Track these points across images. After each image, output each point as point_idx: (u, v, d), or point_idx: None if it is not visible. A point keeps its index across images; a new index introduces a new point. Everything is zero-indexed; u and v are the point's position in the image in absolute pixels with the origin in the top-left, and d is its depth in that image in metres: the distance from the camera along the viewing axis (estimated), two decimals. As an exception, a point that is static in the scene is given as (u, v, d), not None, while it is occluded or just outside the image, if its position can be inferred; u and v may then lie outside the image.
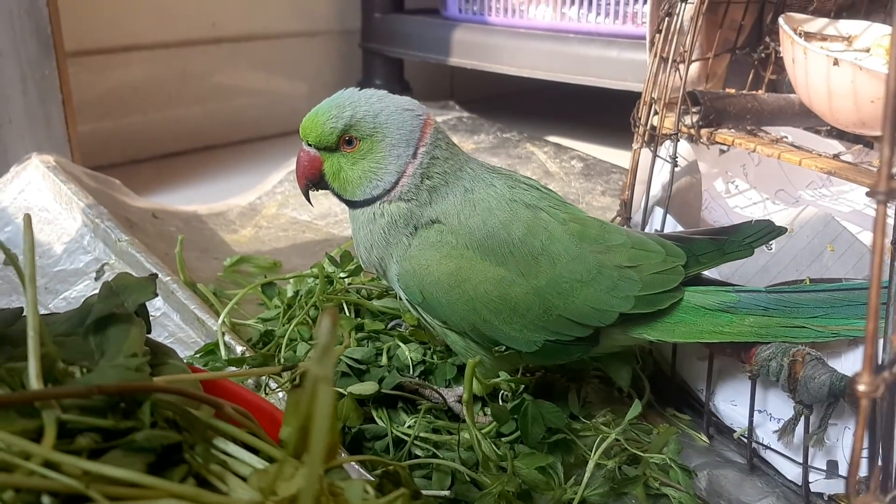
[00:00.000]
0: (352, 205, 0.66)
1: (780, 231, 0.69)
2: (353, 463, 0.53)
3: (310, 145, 0.64)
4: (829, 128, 0.98)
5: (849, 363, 0.62)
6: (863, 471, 0.45)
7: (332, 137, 0.63)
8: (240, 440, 0.36)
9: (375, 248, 0.65)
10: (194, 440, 0.34)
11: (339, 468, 0.37)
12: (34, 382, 0.34)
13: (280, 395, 0.66)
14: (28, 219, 0.38)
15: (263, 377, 0.69)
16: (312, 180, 0.66)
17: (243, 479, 0.33)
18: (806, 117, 0.93)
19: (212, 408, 0.37)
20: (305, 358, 0.72)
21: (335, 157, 0.64)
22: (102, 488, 0.29)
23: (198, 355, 0.73)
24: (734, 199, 1.01)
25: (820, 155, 0.78)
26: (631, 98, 0.90)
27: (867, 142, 0.98)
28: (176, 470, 0.32)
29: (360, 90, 0.65)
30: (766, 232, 0.68)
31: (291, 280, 0.86)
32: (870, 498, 0.30)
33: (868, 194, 0.29)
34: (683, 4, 0.84)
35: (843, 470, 0.59)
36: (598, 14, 1.45)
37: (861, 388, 0.29)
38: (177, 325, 0.80)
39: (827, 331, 0.60)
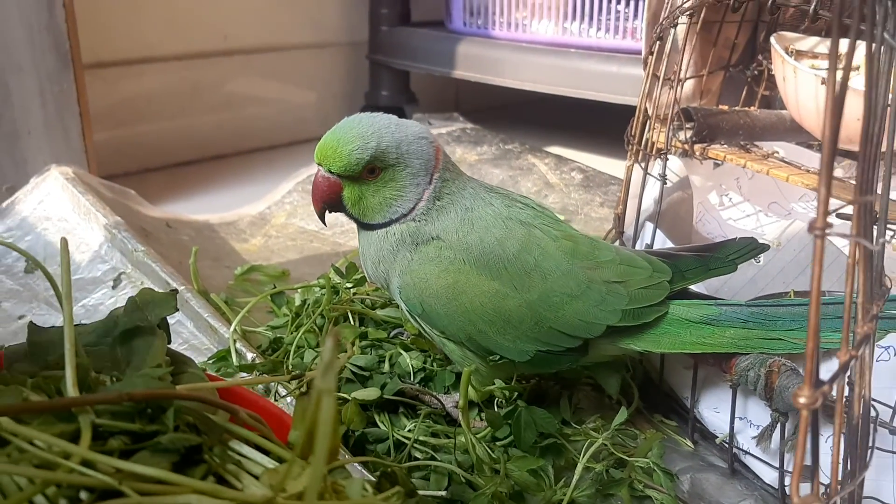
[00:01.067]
0: (366, 226, 0.69)
1: (763, 248, 0.73)
2: (355, 464, 0.57)
3: (331, 172, 0.66)
4: (820, 143, 1.01)
5: (822, 374, 0.65)
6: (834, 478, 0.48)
7: (358, 168, 0.65)
8: (253, 442, 0.40)
9: (383, 263, 0.69)
10: (212, 442, 0.38)
11: (342, 468, 0.41)
12: (71, 390, 0.38)
13: (288, 399, 0.70)
14: (65, 242, 0.42)
15: (273, 383, 0.73)
16: (329, 204, 0.68)
17: (256, 477, 0.38)
18: (797, 133, 0.96)
19: (227, 413, 0.41)
20: (312, 365, 0.76)
21: (357, 186, 0.66)
22: (134, 485, 0.33)
23: (210, 361, 0.77)
24: (728, 211, 1.04)
25: (808, 171, 0.81)
26: (629, 112, 0.94)
27: (856, 156, 1.01)
28: (197, 469, 0.36)
29: (374, 116, 0.67)
30: (749, 249, 0.72)
31: (299, 290, 0.90)
32: (811, 499, 0.33)
33: (809, 230, 0.32)
34: (674, 29, 0.88)
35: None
36: (599, 29, 1.49)
37: (802, 400, 0.33)
38: (190, 332, 0.84)
39: (802, 343, 0.64)
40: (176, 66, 1.57)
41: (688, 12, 0.85)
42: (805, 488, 0.62)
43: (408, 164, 0.66)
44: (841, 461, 0.40)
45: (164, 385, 0.40)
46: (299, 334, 0.80)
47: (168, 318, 0.52)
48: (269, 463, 0.39)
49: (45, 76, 1.17)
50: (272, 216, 1.25)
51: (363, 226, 0.70)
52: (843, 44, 0.98)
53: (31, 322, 0.51)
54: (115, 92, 1.49)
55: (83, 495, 0.33)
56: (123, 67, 1.50)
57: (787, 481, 0.64)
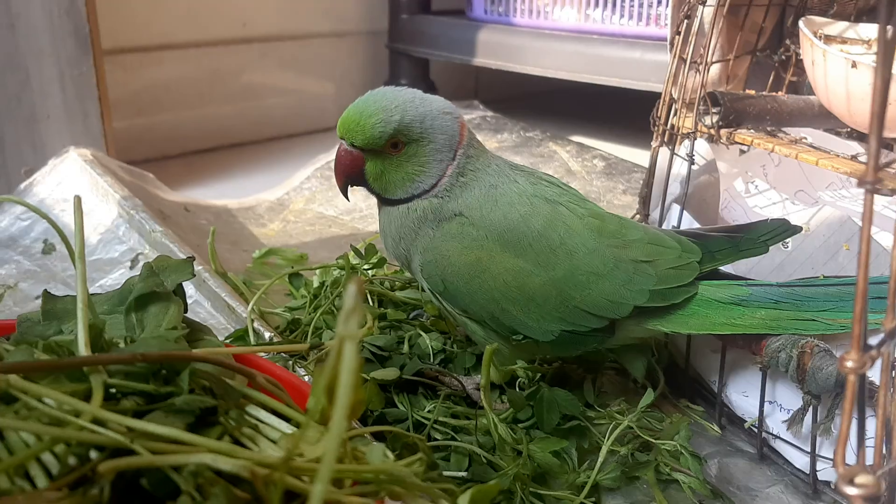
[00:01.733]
0: (387, 202, 0.68)
1: (796, 230, 0.70)
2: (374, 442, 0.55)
3: (353, 146, 0.65)
4: (849, 129, 0.99)
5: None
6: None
7: (381, 141, 0.63)
8: (270, 408, 0.38)
9: (404, 241, 0.68)
10: (228, 406, 0.37)
11: (363, 437, 0.39)
12: (83, 350, 0.37)
13: (308, 379, 0.68)
14: (78, 200, 0.41)
15: (290, 362, 0.71)
16: (352, 178, 0.67)
17: (274, 442, 0.36)
18: (826, 119, 0.94)
19: (245, 378, 0.40)
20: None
21: (379, 160, 0.65)
22: (146, 444, 0.31)
23: (228, 340, 0.76)
24: (754, 198, 1.02)
25: (838, 156, 0.79)
26: (653, 98, 0.92)
27: (887, 143, 0.98)
28: (212, 430, 0.34)
29: (399, 90, 0.66)
30: (781, 230, 0.70)
31: (318, 271, 0.89)
32: (857, 469, 0.32)
33: (858, 185, 0.31)
34: (702, 7, 0.86)
35: (850, 459, 0.61)
36: (622, 16, 1.46)
37: (849, 364, 0.31)
38: (208, 312, 0.83)
39: (836, 324, 0.62)
40: (195, 54, 1.57)
41: (717, -11, 0.83)
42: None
43: (432, 139, 0.65)
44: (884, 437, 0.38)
45: (179, 347, 0.38)
46: (317, 315, 0.79)
47: (187, 300, 0.51)
48: (287, 428, 0.37)
49: (64, 61, 1.16)
50: (291, 202, 1.24)
51: (385, 201, 0.68)
52: (870, 29, 0.96)
53: (45, 290, 0.51)
54: (135, 79, 1.49)
55: (93, 454, 0.31)
56: (143, 54, 1.49)
57: (819, 466, 0.62)
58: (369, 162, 0.65)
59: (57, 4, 1.13)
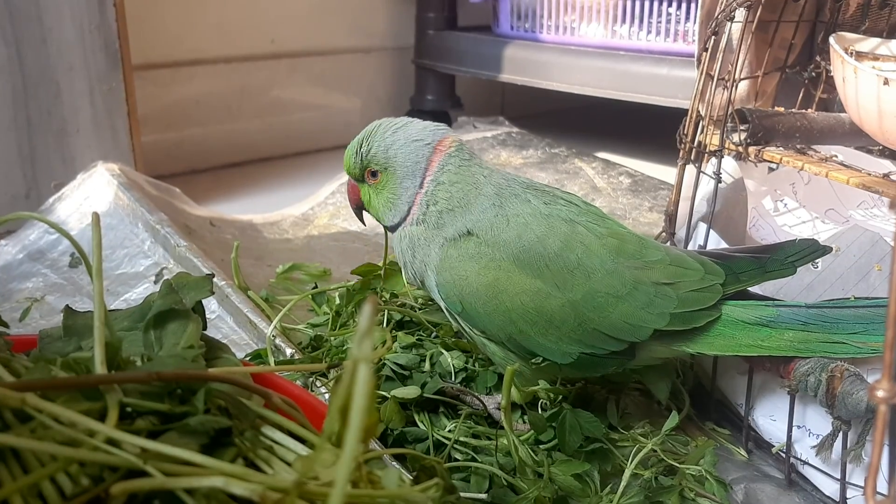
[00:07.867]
0: (386, 228, 0.72)
1: (825, 251, 0.69)
2: (394, 462, 0.55)
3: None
4: (881, 147, 0.97)
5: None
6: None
7: (356, 171, 0.69)
8: (286, 429, 0.38)
9: (409, 266, 0.69)
10: (244, 427, 0.36)
11: (379, 460, 0.39)
12: (99, 368, 0.37)
13: (327, 396, 0.68)
14: (96, 216, 0.41)
15: (310, 379, 0.71)
16: (358, 205, 0.72)
17: (289, 464, 0.36)
18: (857, 136, 0.92)
19: (261, 398, 0.39)
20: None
21: (365, 187, 0.70)
22: (159, 465, 0.31)
23: (247, 359, 0.76)
24: (783, 217, 1.00)
25: (869, 174, 0.78)
26: (680, 115, 0.91)
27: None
28: (226, 452, 0.34)
29: (385, 122, 0.69)
30: (809, 251, 0.68)
31: (340, 289, 0.88)
32: (889, 500, 0.31)
33: (890, 204, 0.30)
34: (730, 23, 0.85)
35: (880, 487, 0.59)
36: (649, 32, 1.46)
37: (880, 393, 0.30)
38: (230, 327, 0.83)
39: (866, 347, 0.60)
40: (224, 69, 1.58)
41: (745, 4, 0.82)
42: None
43: (396, 168, 0.67)
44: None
45: (195, 366, 0.38)
46: (340, 330, 0.79)
47: (208, 313, 0.51)
48: (303, 450, 0.37)
49: (94, 76, 1.18)
50: (315, 217, 1.24)
51: (385, 227, 0.72)
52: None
53: (66, 306, 0.51)
54: (165, 94, 1.50)
55: (107, 475, 0.31)
56: (173, 69, 1.51)
57: (849, 493, 0.60)
58: (362, 190, 0.70)
59: (88, 20, 1.15)
